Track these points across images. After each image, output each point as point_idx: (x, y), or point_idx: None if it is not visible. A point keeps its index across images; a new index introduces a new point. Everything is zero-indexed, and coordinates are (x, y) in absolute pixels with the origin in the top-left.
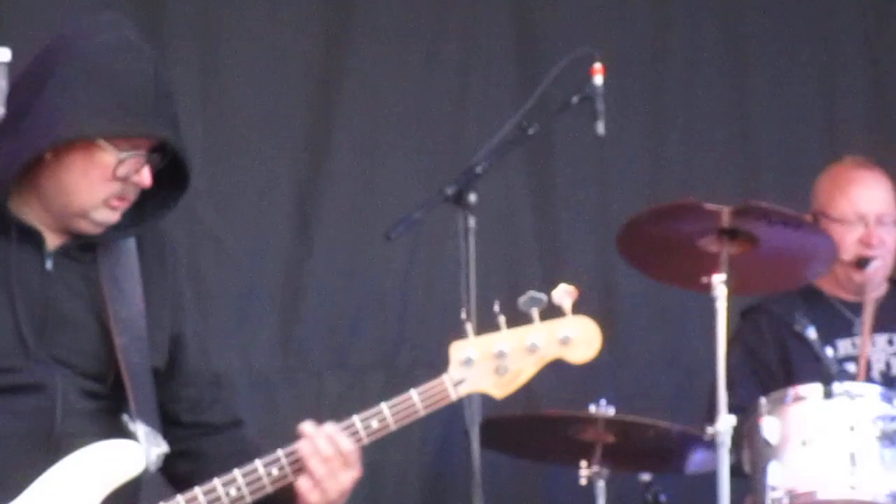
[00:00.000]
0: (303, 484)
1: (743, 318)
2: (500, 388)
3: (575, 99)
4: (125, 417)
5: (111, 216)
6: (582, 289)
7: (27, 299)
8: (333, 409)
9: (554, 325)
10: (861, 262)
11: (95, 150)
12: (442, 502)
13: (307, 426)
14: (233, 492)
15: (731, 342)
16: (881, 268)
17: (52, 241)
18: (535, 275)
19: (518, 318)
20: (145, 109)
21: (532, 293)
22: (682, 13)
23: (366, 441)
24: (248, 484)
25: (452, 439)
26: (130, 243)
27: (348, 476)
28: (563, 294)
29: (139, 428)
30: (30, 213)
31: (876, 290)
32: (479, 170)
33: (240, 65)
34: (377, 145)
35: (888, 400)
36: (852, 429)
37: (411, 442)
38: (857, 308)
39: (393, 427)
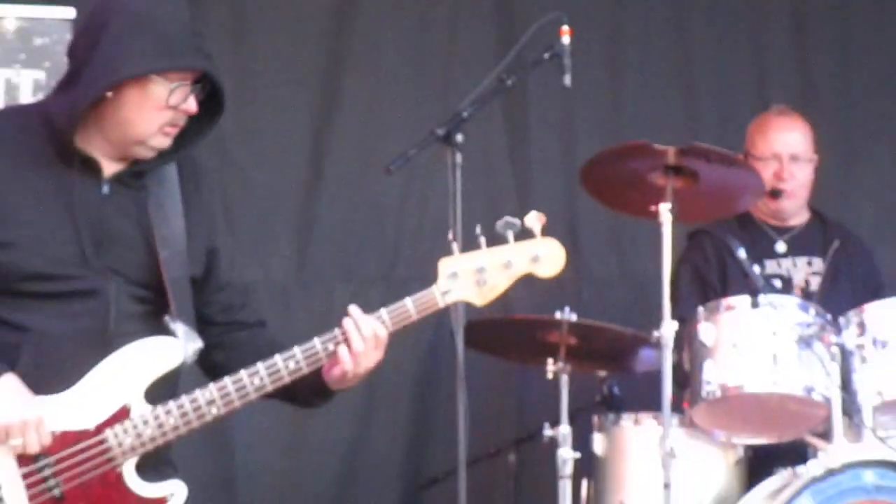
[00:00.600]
0: (343, 353)
1: (689, 239)
2: (480, 298)
3: (546, 55)
4: (166, 318)
5: (164, 141)
6: (550, 216)
7: (86, 219)
8: (340, 316)
9: (526, 245)
10: (774, 193)
11: (149, 84)
12: (431, 395)
13: (354, 308)
14: (256, 381)
15: (679, 261)
16: (793, 197)
17: (109, 169)
18: (510, 204)
19: (496, 240)
20: (186, 47)
21: (508, 218)
22: None
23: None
24: (269, 374)
25: (441, 341)
26: (172, 171)
27: (376, 356)
28: (534, 219)
29: (178, 327)
30: (91, 146)
31: (796, 217)
32: (465, 115)
33: (263, 27)
34: (379, 93)
35: (804, 309)
36: (774, 333)
37: (405, 343)
38: (782, 231)
39: (391, 328)
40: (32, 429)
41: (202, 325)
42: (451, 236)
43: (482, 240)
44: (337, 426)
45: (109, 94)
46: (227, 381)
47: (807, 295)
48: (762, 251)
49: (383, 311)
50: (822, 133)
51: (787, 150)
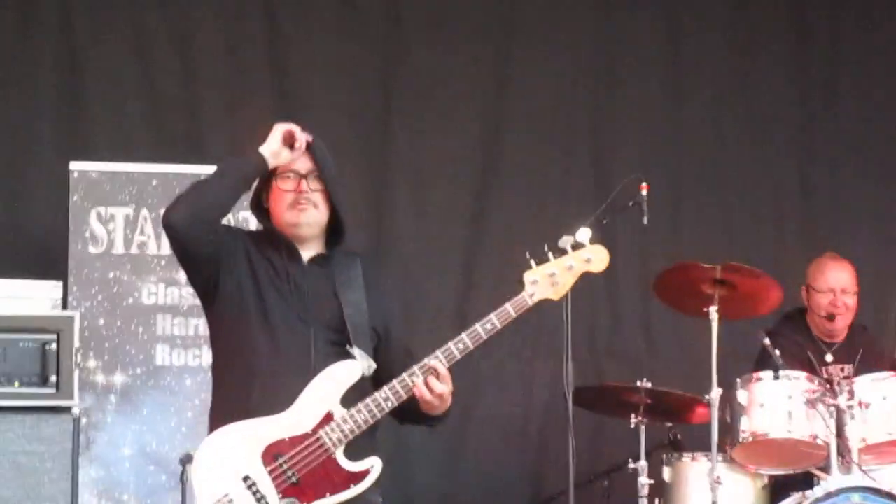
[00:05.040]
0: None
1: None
2: (555, 295)
3: (630, 203)
4: (347, 347)
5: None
6: (632, 316)
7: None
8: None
9: (580, 252)
10: (830, 317)
11: None
12: (550, 438)
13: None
14: (408, 381)
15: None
16: (842, 321)
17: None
18: (604, 310)
19: (559, 253)
20: None
21: (565, 237)
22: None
23: (486, 336)
24: (420, 368)
25: (555, 401)
26: (357, 262)
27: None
28: (583, 234)
29: (356, 351)
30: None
31: (841, 334)
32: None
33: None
34: (523, 215)
35: (811, 381)
36: (790, 397)
37: (531, 401)
38: (830, 345)
39: (499, 326)
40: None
41: (384, 376)
42: (528, 255)
43: (550, 254)
44: (482, 456)
45: None
46: (393, 381)
47: (829, 381)
48: (818, 358)
49: (492, 315)
50: None
51: (839, 285)
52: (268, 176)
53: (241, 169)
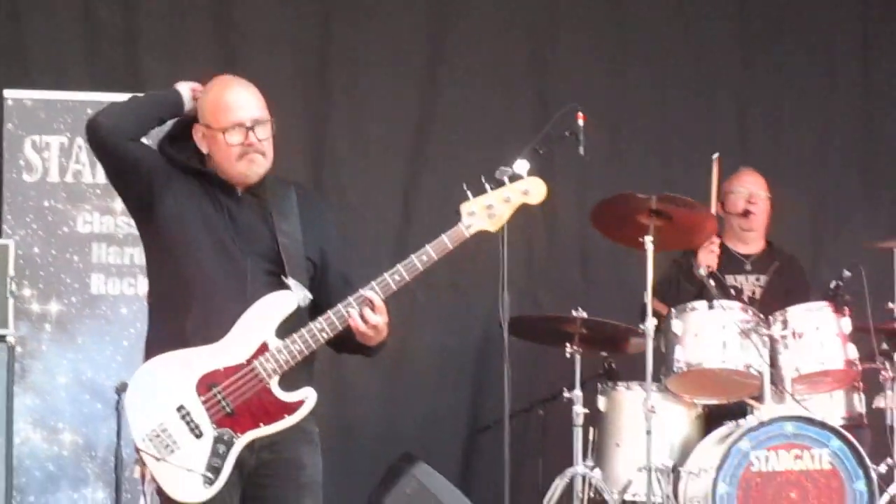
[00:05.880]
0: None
1: (674, 261)
2: (493, 226)
3: (567, 133)
4: (282, 277)
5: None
6: (568, 245)
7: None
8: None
9: (518, 183)
10: (745, 213)
11: None
12: (485, 368)
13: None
14: (343, 311)
15: (665, 270)
16: (756, 220)
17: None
18: (541, 234)
19: (497, 185)
20: None
21: (502, 167)
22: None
23: (423, 268)
24: (356, 299)
25: (492, 331)
26: (292, 192)
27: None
28: (520, 166)
29: (291, 282)
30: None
31: (755, 243)
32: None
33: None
34: (459, 157)
35: (745, 311)
36: (724, 327)
37: (467, 331)
38: (747, 256)
39: (435, 257)
40: None
41: (323, 304)
42: (465, 187)
43: (487, 186)
44: (419, 386)
45: None
46: (328, 312)
47: (751, 301)
48: (733, 268)
49: (427, 247)
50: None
51: (753, 188)
52: (188, 122)
53: (158, 99)
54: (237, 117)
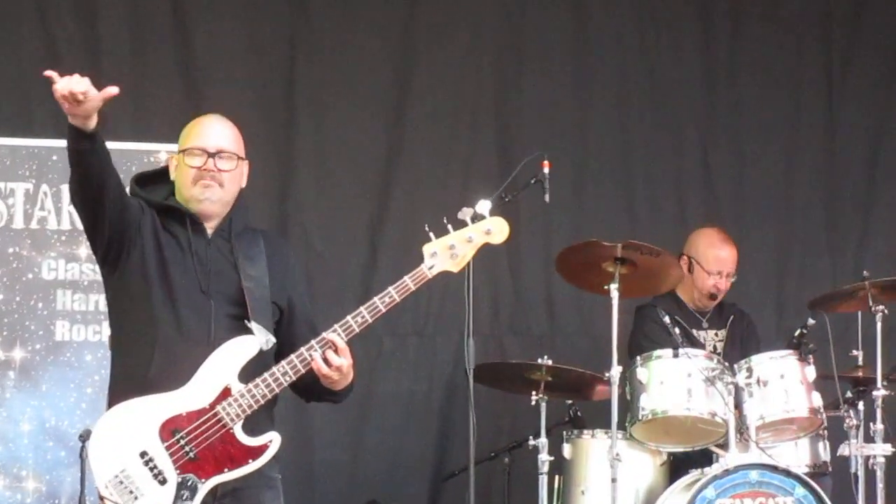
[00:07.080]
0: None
1: (637, 311)
2: (455, 267)
3: (532, 180)
4: (246, 322)
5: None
6: (533, 291)
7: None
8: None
9: (480, 224)
10: (712, 296)
11: None
12: (451, 415)
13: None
14: (307, 354)
15: (634, 328)
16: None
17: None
18: (506, 281)
19: (459, 226)
20: None
21: (465, 209)
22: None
23: (385, 309)
24: (319, 342)
25: (458, 377)
26: (259, 237)
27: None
28: (483, 207)
29: (254, 326)
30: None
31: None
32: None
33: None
34: (424, 197)
35: (710, 359)
36: (689, 375)
37: (433, 378)
38: (703, 313)
39: (397, 299)
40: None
41: (288, 349)
42: (427, 228)
43: (450, 227)
44: (385, 432)
45: None
46: (291, 356)
47: (714, 352)
48: (692, 324)
49: (391, 289)
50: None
51: (726, 268)
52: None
53: (69, 145)
54: (202, 142)
